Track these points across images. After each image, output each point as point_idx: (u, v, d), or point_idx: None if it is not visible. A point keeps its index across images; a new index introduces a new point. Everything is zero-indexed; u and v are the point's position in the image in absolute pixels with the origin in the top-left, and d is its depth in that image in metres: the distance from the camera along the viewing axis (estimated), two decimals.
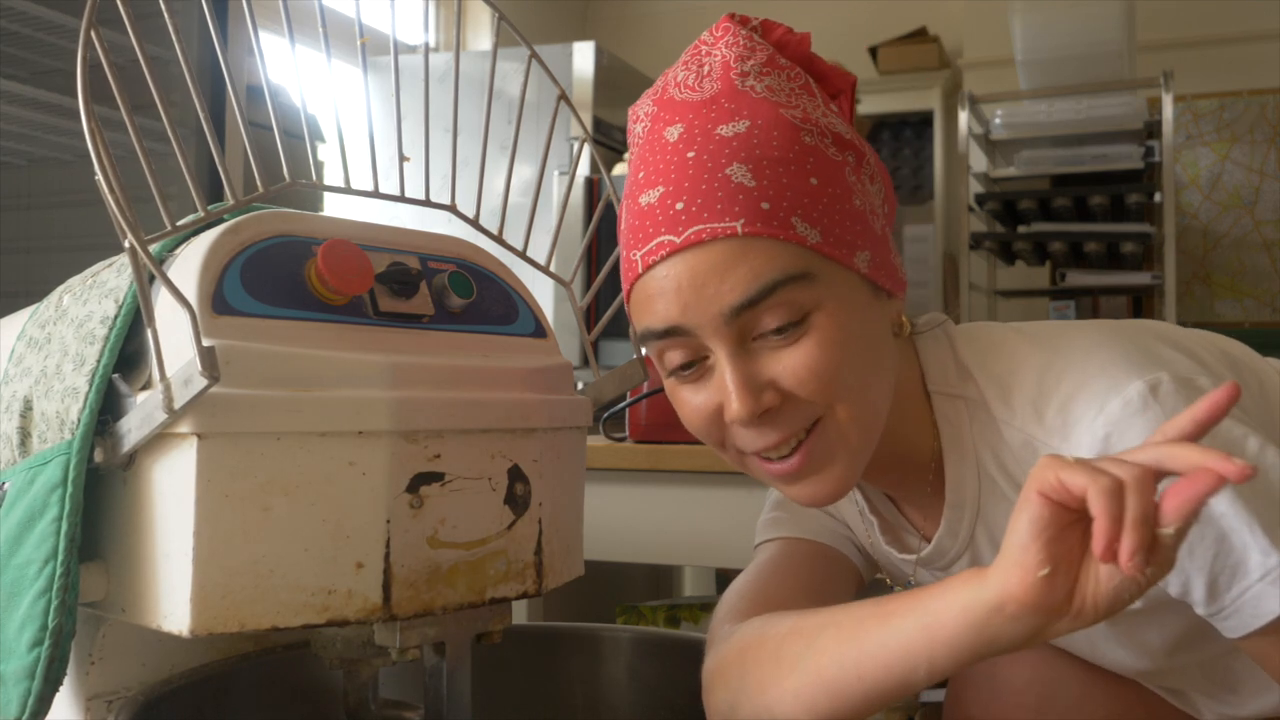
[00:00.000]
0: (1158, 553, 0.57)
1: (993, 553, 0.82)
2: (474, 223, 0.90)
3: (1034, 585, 0.59)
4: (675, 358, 0.76)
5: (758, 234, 0.72)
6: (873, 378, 0.77)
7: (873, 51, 4.02)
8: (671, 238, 0.73)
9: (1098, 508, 0.56)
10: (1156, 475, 0.58)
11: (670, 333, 0.75)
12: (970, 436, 0.81)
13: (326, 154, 1.94)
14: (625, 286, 0.79)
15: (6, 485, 0.74)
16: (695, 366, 0.76)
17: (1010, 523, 0.61)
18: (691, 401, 0.77)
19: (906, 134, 4.43)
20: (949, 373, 0.82)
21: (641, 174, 0.77)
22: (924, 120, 4.10)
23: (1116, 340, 0.78)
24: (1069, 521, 0.59)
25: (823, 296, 0.73)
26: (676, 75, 0.79)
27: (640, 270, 0.75)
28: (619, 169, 2.52)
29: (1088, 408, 0.73)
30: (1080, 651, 0.93)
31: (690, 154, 0.74)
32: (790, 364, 0.73)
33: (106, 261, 0.81)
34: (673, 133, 0.76)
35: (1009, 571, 0.61)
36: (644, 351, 1.47)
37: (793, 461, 0.76)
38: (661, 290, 0.74)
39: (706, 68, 0.78)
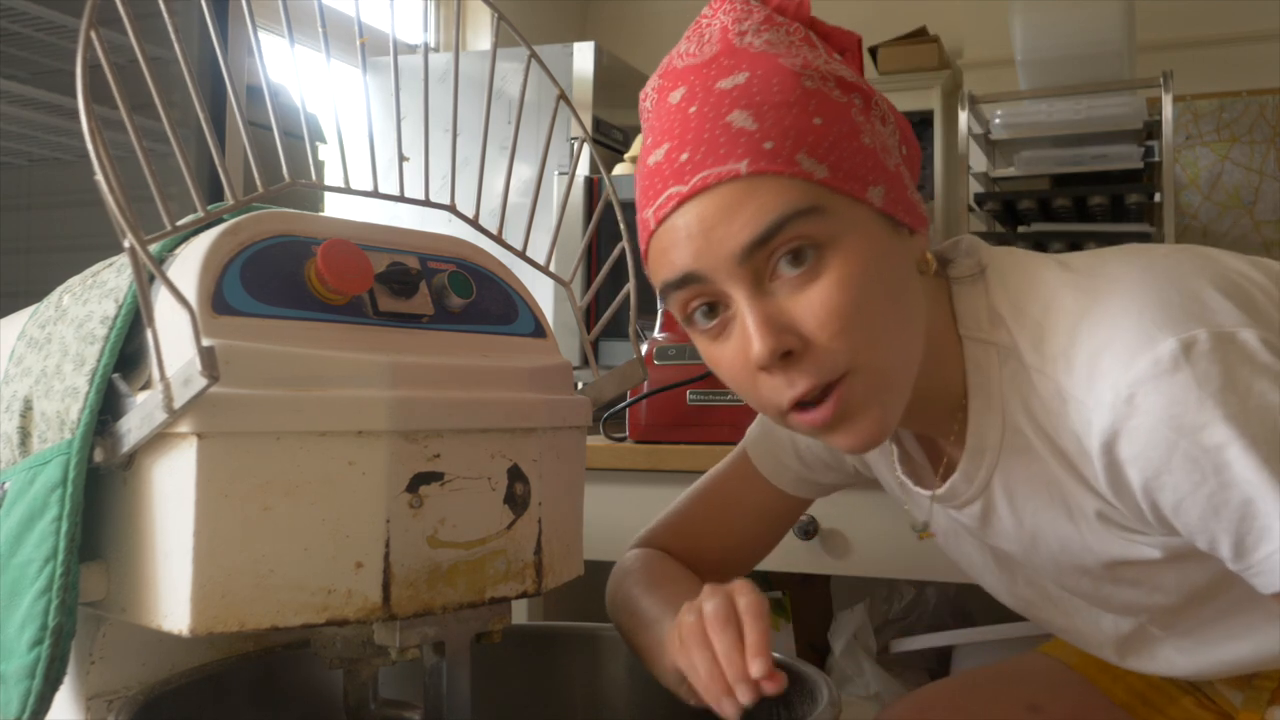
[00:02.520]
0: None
1: (1006, 502, 0.83)
2: (474, 223, 0.90)
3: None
4: (696, 306, 0.76)
5: (762, 171, 0.72)
6: (897, 320, 0.76)
7: (872, 51, 4.01)
8: (679, 188, 0.74)
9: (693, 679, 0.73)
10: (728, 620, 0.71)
11: (686, 280, 0.75)
12: (999, 384, 0.79)
13: (326, 154, 1.94)
14: (642, 249, 0.79)
15: (6, 485, 0.74)
16: (718, 317, 0.76)
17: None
18: (722, 356, 0.77)
19: None
20: (981, 318, 0.81)
21: (649, 139, 0.78)
22: (924, 120, 4.09)
23: (1161, 285, 0.74)
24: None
25: (837, 230, 0.73)
26: (679, 48, 0.81)
27: (653, 226, 0.76)
28: (619, 169, 2.52)
29: (1115, 362, 0.71)
30: (1085, 597, 0.88)
31: (692, 109, 0.75)
32: (809, 303, 0.72)
33: (106, 261, 0.81)
34: (675, 95, 0.77)
35: (660, 674, 0.81)
36: (644, 349, 1.46)
37: (826, 408, 0.74)
38: (674, 240, 0.74)
39: (706, 36, 0.80)
